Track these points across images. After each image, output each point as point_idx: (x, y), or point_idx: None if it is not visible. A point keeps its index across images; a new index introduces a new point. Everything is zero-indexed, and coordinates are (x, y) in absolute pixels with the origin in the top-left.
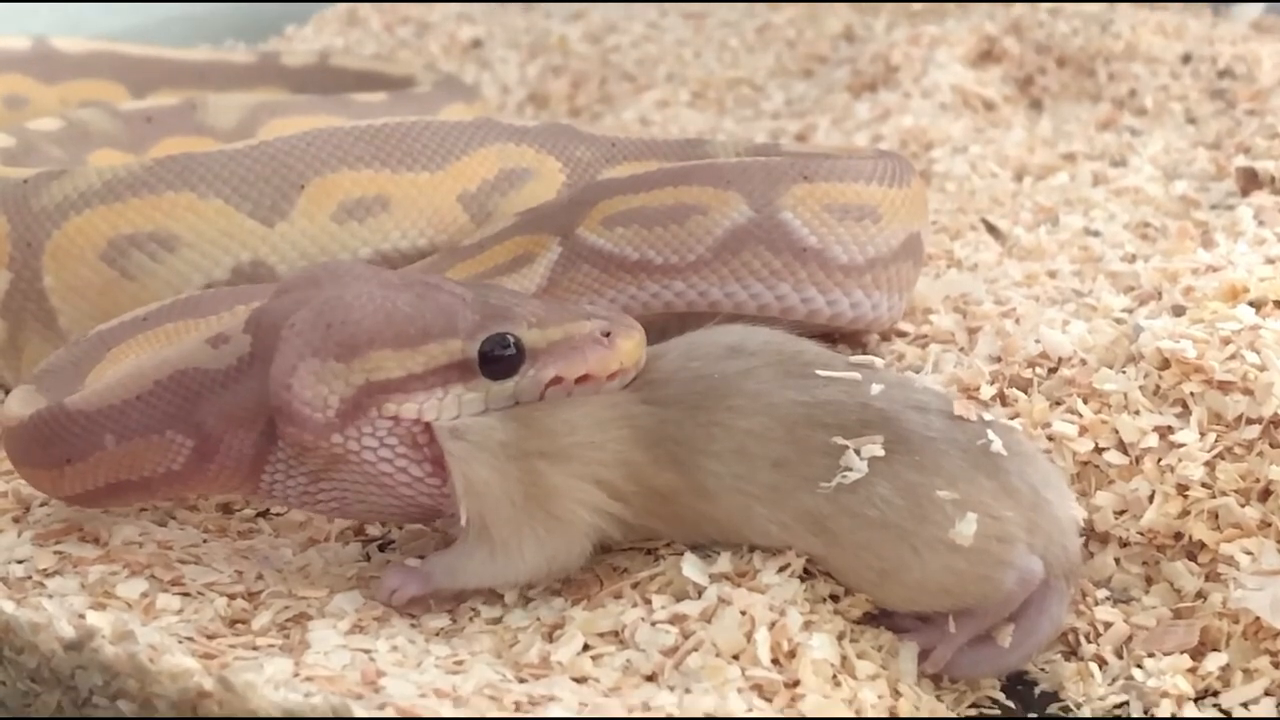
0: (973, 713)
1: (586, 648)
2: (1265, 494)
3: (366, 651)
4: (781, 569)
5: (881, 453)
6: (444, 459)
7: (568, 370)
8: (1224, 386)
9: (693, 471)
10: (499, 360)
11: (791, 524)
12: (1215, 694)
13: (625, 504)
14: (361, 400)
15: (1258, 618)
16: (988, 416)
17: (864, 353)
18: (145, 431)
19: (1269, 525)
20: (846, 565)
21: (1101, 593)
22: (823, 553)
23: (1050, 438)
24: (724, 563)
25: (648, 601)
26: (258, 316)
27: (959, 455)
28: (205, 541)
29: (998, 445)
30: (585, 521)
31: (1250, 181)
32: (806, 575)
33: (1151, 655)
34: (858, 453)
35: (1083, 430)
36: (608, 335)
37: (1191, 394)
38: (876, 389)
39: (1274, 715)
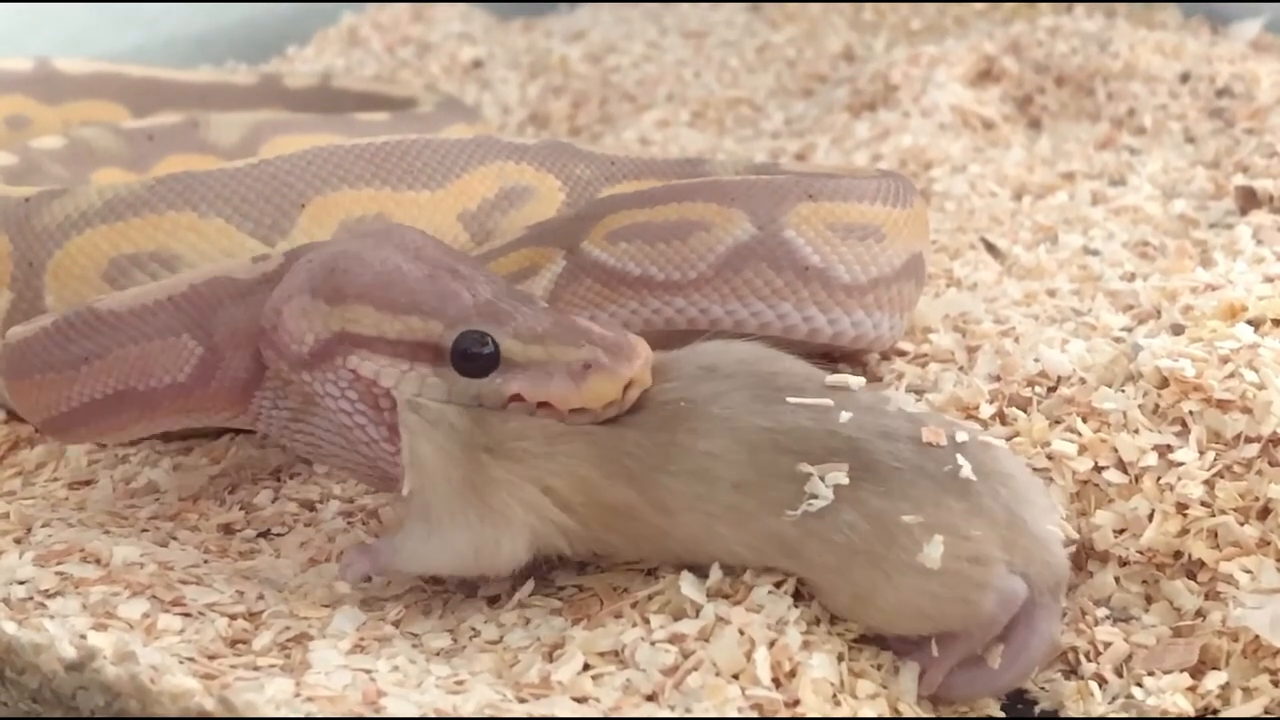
0: None
1: (587, 667)
2: (1264, 512)
3: (367, 671)
4: (775, 586)
5: (846, 480)
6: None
7: (530, 392)
8: (1223, 405)
9: (650, 488)
10: (470, 357)
11: (760, 546)
12: (1215, 712)
13: (572, 515)
14: (333, 346)
15: (1257, 636)
16: (960, 437)
17: (864, 372)
18: (164, 333)
19: (1268, 544)
20: (822, 587)
21: (1101, 611)
22: (798, 573)
23: (1050, 456)
24: (716, 574)
25: (646, 621)
26: (300, 249)
27: (926, 482)
28: (206, 562)
29: (967, 470)
30: (520, 520)
31: (1249, 200)
32: (801, 596)
33: (1151, 674)
34: (822, 479)
35: (1082, 449)
36: (588, 369)
37: (1190, 413)
38: (845, 416)
39: None
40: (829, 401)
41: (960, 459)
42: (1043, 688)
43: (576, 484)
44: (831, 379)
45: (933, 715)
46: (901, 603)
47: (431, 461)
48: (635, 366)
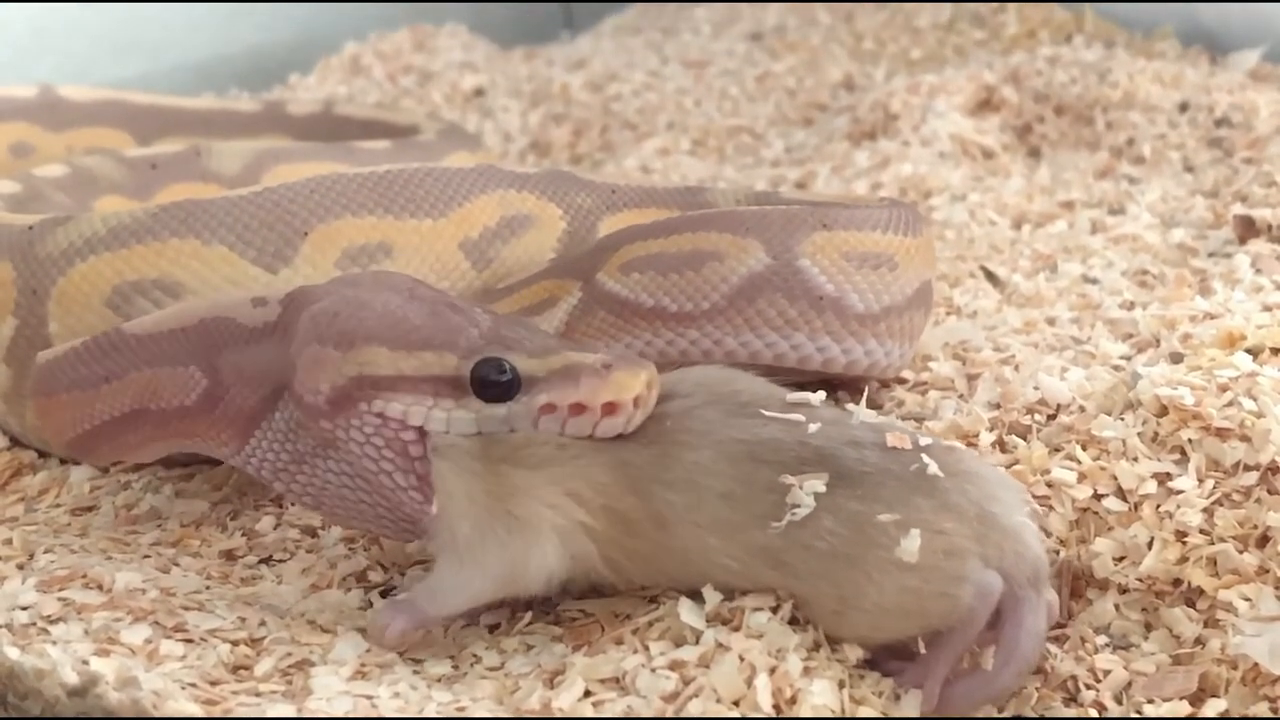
0: None
1: (588, 694)
2: (1263, 540)
3: (369, 698)
4: (772, 612)
5: (824, 488)
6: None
7: (560, 397)
8: (1222, 433)
9: (649, 499)
10: (493, 385)
11: (748, 559)
12: None
13: (594, 517)
14: (352, 392)
15: (1256, 664)
16: (924, 440)
17: (863, 399)
18: (174, 362)
19: (1267, 572)
20: (808, 598)
21: (1101, 639)
22: (784, 586)
23: (1049, 484)
24: (713, 599)
25: (647, 647)
26: (294, 294)
27: (895, 483)
28: (208, 588)
29: (933, 468)
30: (547, 522)
31: (1247, 229)
32: (801, 623)
33: (1151, 701)
34: (801, 489)
35: (1081, 477)
36: (608, 368)
37: (1189, 441)
38: (814, 427)
39: None
40: (800, 416)
41: (926, 459)
42: (1042, 715)
43: (594, 487)
44: (792, 396)
45: None
46: (884, 602)
47: (454, 484)
48: (649, 369)
